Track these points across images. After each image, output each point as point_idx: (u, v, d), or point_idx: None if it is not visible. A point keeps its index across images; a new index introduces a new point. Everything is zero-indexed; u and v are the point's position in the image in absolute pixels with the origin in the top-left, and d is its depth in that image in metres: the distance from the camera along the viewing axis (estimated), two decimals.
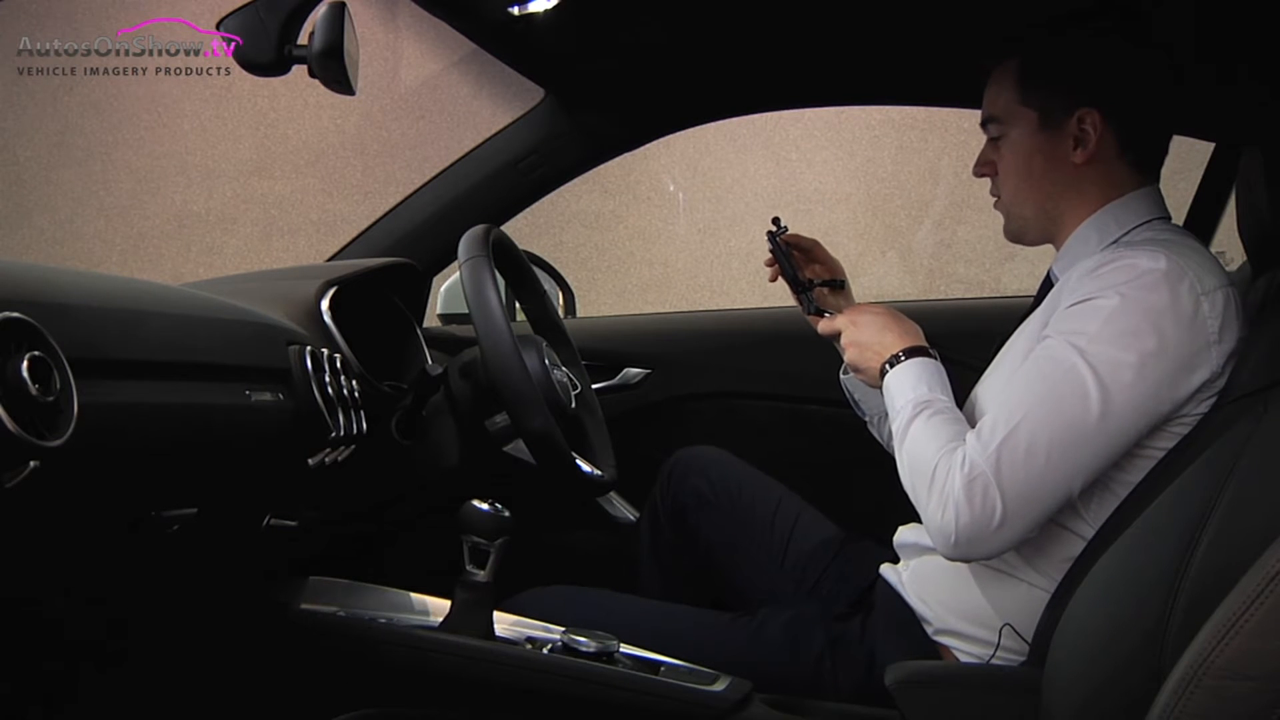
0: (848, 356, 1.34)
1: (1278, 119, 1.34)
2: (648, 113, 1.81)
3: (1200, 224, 2.17)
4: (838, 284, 1.53)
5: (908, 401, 1.23)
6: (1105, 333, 1.11)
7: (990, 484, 1.10)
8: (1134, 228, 1.23)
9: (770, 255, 1.51)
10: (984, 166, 1.32)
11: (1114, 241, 1.23)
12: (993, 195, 1.33)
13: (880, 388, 1.29)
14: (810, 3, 1.39)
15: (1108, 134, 1.23)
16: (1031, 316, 1.27)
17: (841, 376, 1.55)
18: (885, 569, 1.37)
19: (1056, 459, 1.10)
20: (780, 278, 1.52)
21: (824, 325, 1.40)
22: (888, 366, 1.27)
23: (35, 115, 4.75)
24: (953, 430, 1.18)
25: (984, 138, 1.33)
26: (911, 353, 1.27)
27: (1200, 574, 0.90)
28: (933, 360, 1.27)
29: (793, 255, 1.51)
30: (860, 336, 1.32)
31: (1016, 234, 1.33)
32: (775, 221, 1.51)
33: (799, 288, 1.50)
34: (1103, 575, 1.06)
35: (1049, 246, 1.32)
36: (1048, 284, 1.32)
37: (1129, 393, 1.10)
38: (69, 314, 0.84)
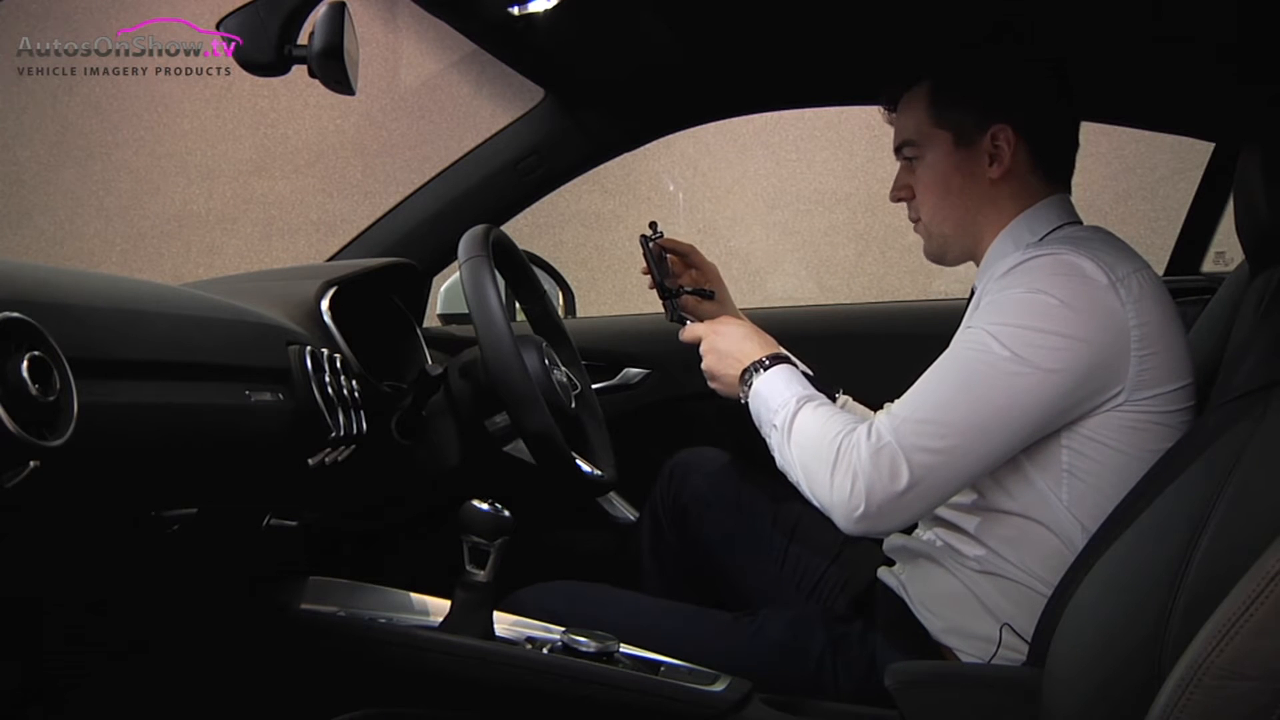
0: (705, 363, 1.36)
1: (1276, 119, 1.34)
2: (648, 113, 1.81)
3: (1200, 224, 2.17)
4: (708, 294, 1.54)
5: (790, 397, 1.25)
6: (1019, 320, 1.14)
7: (898, 453, 1.12)
8: (1047, 234, 1.26)
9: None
10: (901, 190, 1.35)
11: (1028, 248, 1.24)
12: (911, 219, 1.36)
13: (738, 395, 1.32)
14: (811, 4, 1.39)
15: (1021, 148, 1.26)
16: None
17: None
18: (883, 573, 1.37)
19: (965, 430, 1.12)
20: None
21: (685, 333, 1.42)
22: (754, 372, 1.30)
23: (35, 115, 4.75)
24: (847, 416, 1.20)
25: None
26: (778, 359, 1.31)
27: (1200, 574, 0.90)
28: (798, 368, 1.31)
29: (665, 260, 1.53)
30: (720, 344, 1.35)
31: (938, 253, 1.35)
32: (652, 226, 1.53)
33: (665, 294, 1.51)
34: (1103, 575, 1.06)
35: None
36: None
37: (1041, 371, 1.12)
38: (69, 314, 0.84)
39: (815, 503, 1.20)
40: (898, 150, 1.34)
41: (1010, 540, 1.20)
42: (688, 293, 1.53)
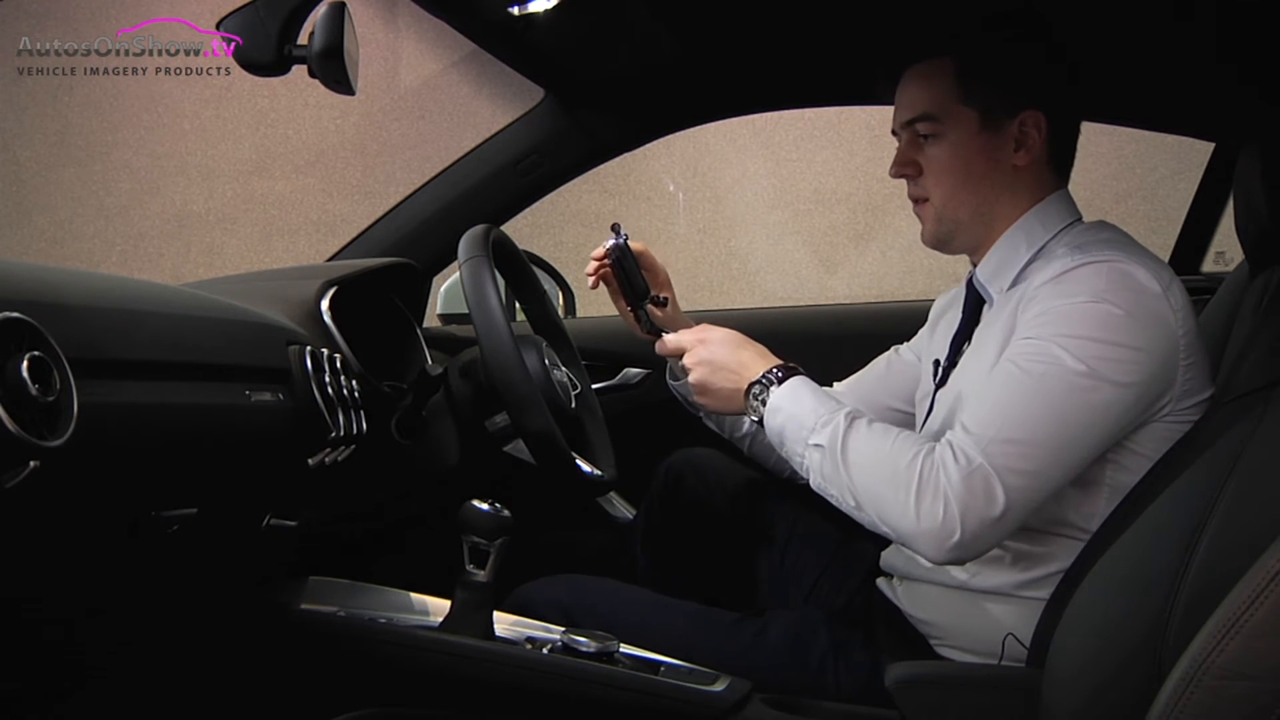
0: (695, 376, 1.26)
1: (1276, 119, 1.34)
2: (648, 113, 1.81)
3: (1200, 224, 2.17)
4: (661, 301, 1.47)
5: (832, 412, 1.16)
6: (1086, 331, 1.11)
7: (991, 475, 1.07)
8: (1058, 231, 1.24)
9: (605, 262, 1.46)
10: (906, 167, 1.27)
11: (1042, 247, 1.23)
12: (913, 198, 1.29)
13: (740, 411, 1.23)
14: (810, 4, 1.39)
15: (1047, 137, 1.23)
16: (990, 330, 1.24)
17: (671, 383, 1.53)
18: (881, 584, 1.37)
19: (1052, 449, 1.09)
20: (604, 285, 1.48)
21: (664, 344, 1.32)
22: (766, 387, 1.20)
23: (35, 115, 4.75)
24: (909, 434, 1.14)
25: None
26: (789, 370, 1.22)
27: (1200, 574, 0.90)
28: (809, 378, 1.22)
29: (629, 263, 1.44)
30: (713, 355, 1.25)
31: (943, 239, 1.28)
32: (615, 229, 1.45)
33: (637, 301, 1.44)
34: (1103, 575, 1.06)
35: None
36: (974, 294, 1.30)
37: (1114, 385, 1.10)
38: (69, 314, 0.84)
39: (886, 530, 1.11)
40: (908, 123, 1.26)
41: (1021, 554, 1.19)
42: (648, 301, 1.46)
